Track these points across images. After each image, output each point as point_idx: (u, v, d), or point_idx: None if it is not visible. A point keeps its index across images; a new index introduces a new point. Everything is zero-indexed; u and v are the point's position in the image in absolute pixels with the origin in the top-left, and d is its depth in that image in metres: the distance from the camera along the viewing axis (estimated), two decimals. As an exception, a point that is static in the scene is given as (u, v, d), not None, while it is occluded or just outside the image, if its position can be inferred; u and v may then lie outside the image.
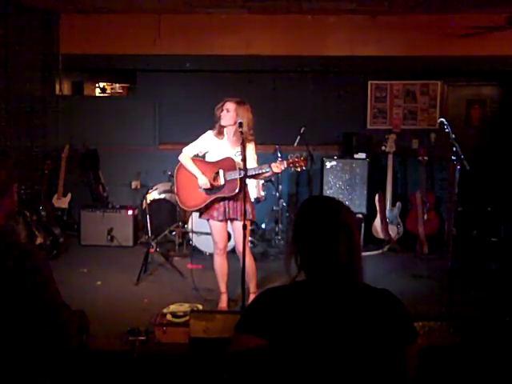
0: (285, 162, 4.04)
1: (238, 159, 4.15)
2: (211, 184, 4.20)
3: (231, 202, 4.22)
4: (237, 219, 4.20)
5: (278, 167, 4.02)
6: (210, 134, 4.32)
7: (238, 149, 4.15)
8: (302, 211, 1.75)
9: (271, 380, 1.60)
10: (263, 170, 4.11)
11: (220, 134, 4.28)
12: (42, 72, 6.98)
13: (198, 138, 4.37)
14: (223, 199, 4.22)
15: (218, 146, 4.28)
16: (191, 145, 4.35)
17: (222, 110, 4.21)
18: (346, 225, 1.65)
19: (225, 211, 4.23)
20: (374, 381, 1.60)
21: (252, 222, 4.51)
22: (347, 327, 1.60)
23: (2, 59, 6.09)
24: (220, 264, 4.40)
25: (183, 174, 4.34)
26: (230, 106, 4.19)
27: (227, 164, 4.17)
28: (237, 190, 4.10)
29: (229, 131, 4.27)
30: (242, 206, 4.06)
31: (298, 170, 4.08)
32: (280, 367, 1.59)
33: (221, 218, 4.25)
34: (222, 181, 4.18)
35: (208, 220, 4.33)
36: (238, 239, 4.24)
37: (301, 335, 1.59)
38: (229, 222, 4.35)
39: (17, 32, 6.32)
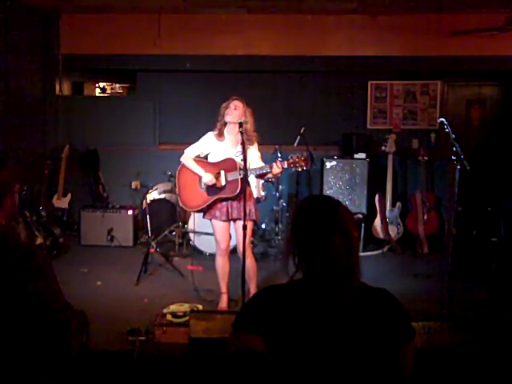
0: (285, 163, 4.04)
1: (238, 159, 4.16)
2: (213, 184, 4.20)
3: (235, 203, 4.22)
4: (240, 219, 4.18)
5: (278, 167, 4.02)
6: (210, 136, 4.32)
7: (239, 148, 4.15)
8: (300, 210, 1.75)
9: (268, 378, 1.60)
10: (264, 171, 4.11)
11: (220, 135, 4.28)
12: (42, 72, 6.98)
13: (198, 138, 4.37)
14: (226, 199, 4.22)
15: (218, 147, 4.29)
16: (192, 146, 4.35)
17: (229, 107, 4.21)
18: (344, 224, 1.65)
19: (228, 211, 4.23)
20: (371, 380, 1.60)
21: (254, 222, 4.51)
22: (344, 326, 1.60)
23: (2, 59, 6.09)
24: (221, 264, 4.40)
25: (185, 174, 4.34)
26: (240, 104, 4.20)
27: (228, 165, 4.17)
28: (238, 191, 4.10)
29: (230, 130, 4.27)
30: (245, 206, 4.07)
31: (300, 170, 4.08)
32: (276, 365, 1.59)
33: (224, 218, 4.25)
34: (223, 181, 4.18)
35: (211, 220, 4.33)
36: (239, 239, 4.24)
37: (297, 334, 1.59)
38: (231, 222, 4.36)
39: (17, 32, 6.32)
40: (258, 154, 4.30)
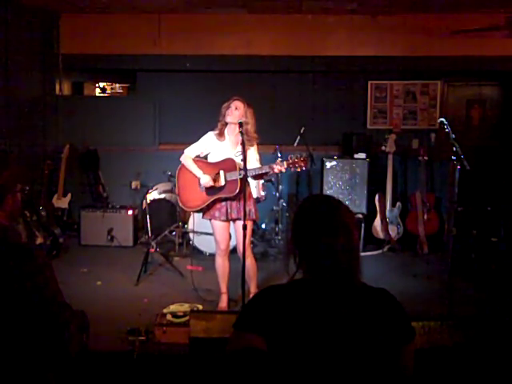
0: (285, 163, 4.03)
1: (238, 159, 4.16)
2: (212, 184, 4.20)
3: (234, 203, 4.22)
4: (240, 219, 4.18)
5: (277, 168, 4.02)
6: (210, 135, 4.32)
7: (239, 149, 4.15)
8: (301, 209, 1.75)
9: (269, 378, 1.60)
10: (263, 171, 4.11)
11: (221, 134, 4.28)
12: (42, 72, 6.98)
13: (198, 138, 4.37)
14: (225, 199, 4.22)
15: (219, 147, 4.29)
16: (192, 146, 4.35)
17: (230, 108, 4.20)
18: (345, 224, 1.65)
19: (227, 211, 4.23)
20: (371, 380, 1.60)
21: (254, 222, 4.51)
22: (344, 326, 1.60)
23: (2, 59, 6.09)
24: (221, 264, 4.40)
25: (184, 174, 4.34)
26: (240, 104, 4.20)
27: (228, 165, 4.17)
28: (237, 191, 4.10)
29: (230, 131, 4.27)
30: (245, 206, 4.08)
31: (299, 170, 4.06)
32: (278, 365, 1.59)
33: (223, 218, 4.25)
34: (222, 181, 4.18)
35: (210, 220, 4.33)
36: (239, 239, 4.24)
37: (298, 333, 1.59)
38: (231, 222, 4.36)
39: (17, 32, 6.32)
40: (257, 157, 4.30)
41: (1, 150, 5.84)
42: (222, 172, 4.19)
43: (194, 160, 4.31)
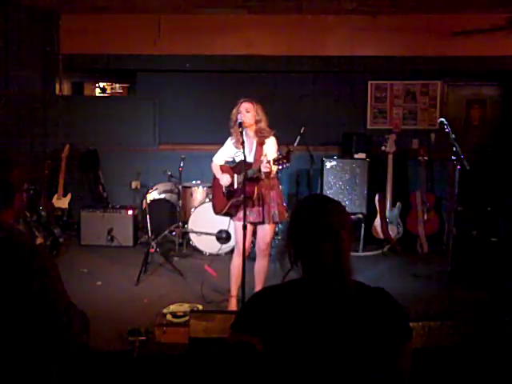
0: (271, 161, 3.87)
1: (249, 159, 4.13)
2: (232, 188, 4.25)
3: (254, 207, 4.21)
4: (259, 223, 4.22)
5: (265, 166, 3.88)
6: (228, 143, 4.37)
7: (253, 149, 4.15)
8: (296, 210, 1.76)
9: (265, 379, 1.60)
10: (255, 174, 4.05)
11: (238, 141, 4.22)
12: (42, 72, 6.99)
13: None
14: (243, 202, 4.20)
15: (239, 152, 4.26)
16: (217, 153, 4.42)
17: (241, 112, 4.18)
18: (330, 227, 1.64)
19: (246, 214, 4.19)
20: (369, 380, 1.60)
21: (276, 224, 4.57)
22: (341, 326, 1.60)
23: (2, 59, 6.09)
24: (237, 265, 4.30)
25: (216, 181, 4.42)
26: (249, 105, 4.20)
27: (240, 168, 4.18)
28: (246, 193, 4.08)
29: (246, 132, 4.23)
30: (268, 208, 4.17)
31: (284, 166, 3.84)
32: (273, 366, 1.59)
33: (248, 220, 4.20)
34: (235, 185, 4.21)
35: (235, 222, 4.36)
36: (260, 240, 4.30)
37: (294, 334, 1.59)
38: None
39: (17, 32, 6.32)
40: (275, 149, 4.25)
41: (1, 150, 5.84)
42: (235, 176, 4.23)
43: (221, 166, 4.39)
